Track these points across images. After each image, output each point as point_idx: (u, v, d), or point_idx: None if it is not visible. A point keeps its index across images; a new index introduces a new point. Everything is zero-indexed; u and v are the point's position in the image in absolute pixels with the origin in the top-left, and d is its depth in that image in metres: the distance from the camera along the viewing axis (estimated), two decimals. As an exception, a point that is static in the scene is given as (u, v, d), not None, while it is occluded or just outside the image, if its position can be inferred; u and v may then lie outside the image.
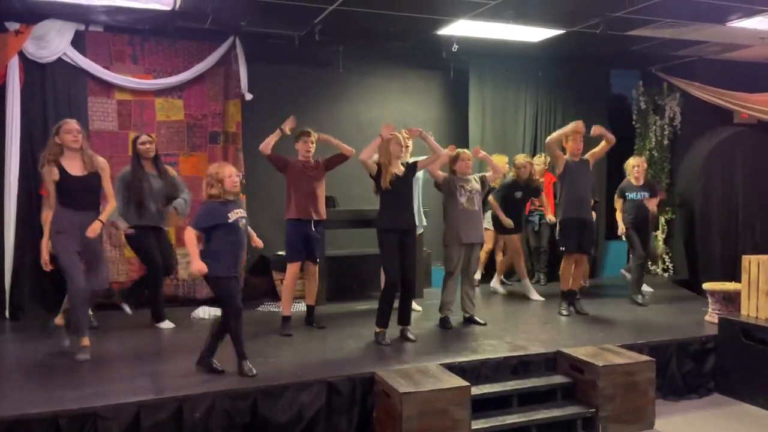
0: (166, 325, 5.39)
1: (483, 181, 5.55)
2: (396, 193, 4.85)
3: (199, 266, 3.83)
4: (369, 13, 5.78)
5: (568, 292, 5.89)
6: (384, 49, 7.16)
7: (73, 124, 4.43)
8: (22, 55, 5.79)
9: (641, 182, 6.52)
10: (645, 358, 4.42)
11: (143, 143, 5.29)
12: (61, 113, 5.98)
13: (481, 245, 5.70)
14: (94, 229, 4.35)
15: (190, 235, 3.91)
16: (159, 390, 3.76)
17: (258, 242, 4.38)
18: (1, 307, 5.74)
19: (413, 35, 6.62)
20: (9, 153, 5.75)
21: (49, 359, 4.45)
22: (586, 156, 5.85)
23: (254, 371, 3.99)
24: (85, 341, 4.42)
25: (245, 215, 4.11)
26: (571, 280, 5.88)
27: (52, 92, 5.98)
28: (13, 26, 5.74)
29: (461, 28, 6.27)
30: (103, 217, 4.47)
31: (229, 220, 3.94)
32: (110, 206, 4.58)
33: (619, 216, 6.59)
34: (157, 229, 5.37)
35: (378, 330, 4.89)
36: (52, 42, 5.88)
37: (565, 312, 5.80)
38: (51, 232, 4.37)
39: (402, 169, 4.93)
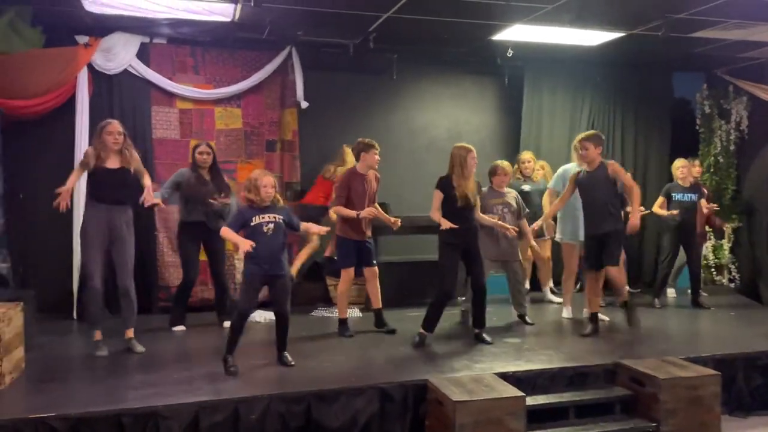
0: (180, 329, 5.51)
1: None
2: (462, 207, 4.84)
3: (245, 246, 4.08)
4: (423, 20, 5.79)
5: (592, 315, 5.36)
6: (438, 56, 7.15)
7: (115, 125, 4.76)
8: (90, 67, 6.06)
9: (687, 184, 6.44)
10: (710, 371, 4.24)
11: (201, 153, 5.45)
12: (127, 122, 6.21)
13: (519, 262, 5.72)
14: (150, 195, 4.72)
15: (226, 231, 4.32)
16: (216, 391, 3.84)
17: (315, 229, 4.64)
18: (69, 308, 5.97)
19: (468, 41, 6.58)
20: (79, 160, 5.99)
21: (112, 359, 4.60)
22: (608, 163, 5.16)
23: (233, 369, 4.17)
24: (98, 335, 4.70)
25: (275, 220, 4.27)
26: (589, 301, 5.38)
27: (118, 102, 6.23)
28: (82, 39, 6.02)
29: (517, 33, 6.19)
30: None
31: (252, 224, 4.24)
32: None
33: (661, 211, 6.53)
34: (208, 229, 5.39)
35: (422, 331, 4.94)
36: (119, 54, 6.13)
37: (587, 332, 5.27)
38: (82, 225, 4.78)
39: (473, 187, 4.91)
